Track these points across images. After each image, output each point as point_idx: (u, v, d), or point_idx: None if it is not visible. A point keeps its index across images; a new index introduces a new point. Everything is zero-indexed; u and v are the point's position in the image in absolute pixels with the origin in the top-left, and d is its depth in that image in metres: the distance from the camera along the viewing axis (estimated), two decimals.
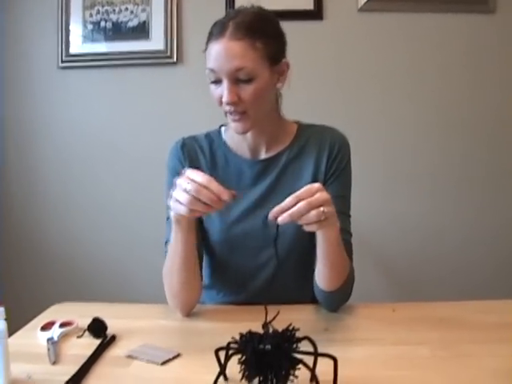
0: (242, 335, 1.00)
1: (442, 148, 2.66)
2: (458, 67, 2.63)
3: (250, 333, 1.00)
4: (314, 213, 1.15)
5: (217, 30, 1.40)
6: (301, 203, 1.15)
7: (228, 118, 1.46)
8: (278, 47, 1.48)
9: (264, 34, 1.41)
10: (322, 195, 1.17)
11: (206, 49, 1.44)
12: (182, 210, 1.20)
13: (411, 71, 2.64)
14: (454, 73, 2.63)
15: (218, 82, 1.41)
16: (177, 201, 1.20)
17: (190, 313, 1.48)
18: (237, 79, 1.38)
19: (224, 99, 1.39)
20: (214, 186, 1.18)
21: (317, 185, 1.19)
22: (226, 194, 1.18)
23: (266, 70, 1.42)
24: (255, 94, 1.40)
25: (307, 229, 1.21)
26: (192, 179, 1.18)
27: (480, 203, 2.68)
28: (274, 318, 1.04)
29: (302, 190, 1.17)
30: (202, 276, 1.56)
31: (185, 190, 1.17)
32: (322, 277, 1.40)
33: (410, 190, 2.67)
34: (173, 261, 1.42)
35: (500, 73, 2.61)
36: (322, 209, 1.16)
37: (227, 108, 1.41)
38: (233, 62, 1.36)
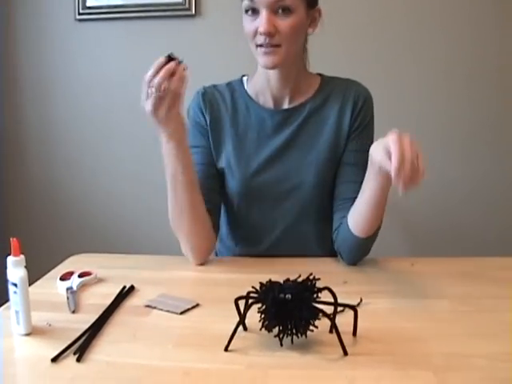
0: (261, 284, 1.00)
1: (457, 98, 2.62)
2: (477, 59, 2.57)
3: (270, 282, 0.99)
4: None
5: None
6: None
7: (258, 53, 1.43)
8: None
9: None
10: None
11: None
12: (150, 103, 1.30)
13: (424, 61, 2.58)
14: (472, 64, 2.57)
15: (254, 13, 1.40)
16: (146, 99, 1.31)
17: (203, 260, 1.49)
18: (275, 10, 1.38)
19: (261, 29, 1.37)
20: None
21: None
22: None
23: (302, 9, 1.42)
24: (291, 27, 1.39)
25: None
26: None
27: (496, 153, 2.64)
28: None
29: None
30: (217, 226, 1.56)
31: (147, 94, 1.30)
32: (362, 220, 1.39)
33: (425, 142, 2.63)
34: (175, 198, 1.43)
35: None
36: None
37: (261, 39, 1.39)
38: None
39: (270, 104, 1.57)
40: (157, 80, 1.26)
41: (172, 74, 1.27)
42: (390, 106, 2.54)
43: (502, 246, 2.47)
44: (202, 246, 1.48)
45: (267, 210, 1.55)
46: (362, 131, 1.52)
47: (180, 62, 1.28)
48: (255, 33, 1.40)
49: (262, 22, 1.37)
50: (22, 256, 1.04)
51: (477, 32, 2.55)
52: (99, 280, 1.35)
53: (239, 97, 1.59)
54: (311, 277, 0.99)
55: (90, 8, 2.67)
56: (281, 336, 0.96)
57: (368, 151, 1.49)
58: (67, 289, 1.27)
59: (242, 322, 1.01)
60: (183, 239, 1.47)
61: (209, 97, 1.59)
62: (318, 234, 1.57)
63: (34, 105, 2.78)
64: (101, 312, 1.14)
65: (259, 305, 0.98)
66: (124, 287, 1.28)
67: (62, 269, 1.42)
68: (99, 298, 1.24)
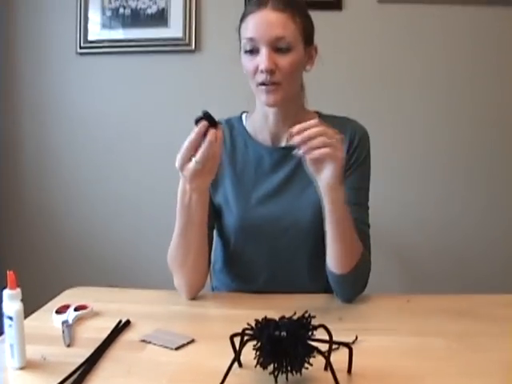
0: (257, 321, 1.00)
1: (455, 138, 2.65)
2: (476, 58, 2.61)
3: (265, 319, 1.00)
4: (320, 139, 1.22)
5: (256, 3, 1.43)
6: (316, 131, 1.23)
7: (259, 91, 1.45)
8: (311, 29, 1.51)
9: (302, 10, 1.46)
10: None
11: (240, 24, 1.48)
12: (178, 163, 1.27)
13: (429, 63, 2.61)
14: (474, 64, 2.61)
15: (254, 52, 1.42)
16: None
17: (194, 297, 1.48)
18: (276, 48, 1.40)
19: (262, 66, 1.39)
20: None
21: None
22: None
23: (301, 46, 1.45)
24: (291, 64, 1.42)
25: (310, 159, 1.26)
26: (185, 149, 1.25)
27: (494, 192, 2.66)
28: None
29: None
30: (209, 262, 1.56)
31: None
32: (333, 255, 1.39)
33: (423, 181, 2.66)
34: (180, 242, 1.43)
35: None
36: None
37: (262, 77, 1.41)
38: (275, 30, 1.39)
39: (268, 142, 1.58)
40: (201, 153, 1.23)
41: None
42: (388, 145, 2.57)
43: (497, 283, 2.47)
44: (197, 282, 1.48)
45: (263, 247, 1.55)
46: (357, 168, 1.53)
47: (217, 123, 1.26)
48: (256, 71, 1.42)
49: (262, 59, 1.39)
50: (19, 289, 1.04)
51: (477, 72, 2.61)
52: (95, 313, 1.35)
53: (238, 134, 1.61)
54: (306, 314, 1.00)
55: (91, 42, 2.71)
56: (276, 373, 0.95)
57: (364, 189, 1.51)
58: (63, 322, 1.26)
59: (237, 358, 1.00)
60: (181, 275, 1.47)
61: None
62: (313, 270, 1.57)
63: (32, 136, 2.80)
64: (96, 346, 1.13)
65: (254, 342, 0.98)
66: (120, 321, 1.27)
67: (58, 301, 1.42)
68: (95, 331, 1.23)
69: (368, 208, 1.55)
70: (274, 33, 1.39)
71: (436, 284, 2.57)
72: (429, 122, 2.64)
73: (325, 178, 1.28)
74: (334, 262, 1.40)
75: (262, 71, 1.40)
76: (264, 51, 1.40)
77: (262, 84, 1.42)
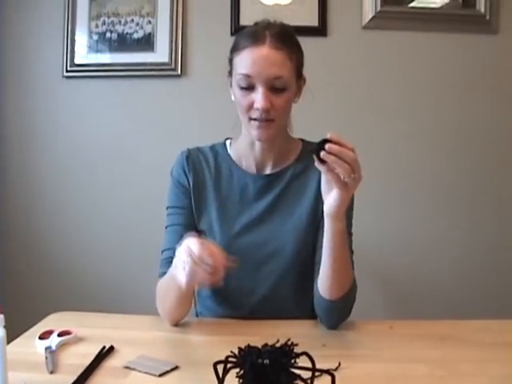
0: (240, 349, 1.00)
1: (438, 163, 2.68)
2: (461, 85, 2.65)
3: (248, 347, 1.00)
4: (349, 166, 1.19)
5: (253, 38, 1.43)
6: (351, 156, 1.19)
7: (251, 126, 1.46)
8: (302, 61, 1.53)
9: (296, 47, 1.48)
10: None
11: (232, 56, 1.48)
12: (183, 279, 1.20)
13: (414, 89, 2.65)
14: (457, 90, 2.65)
15: (249, 88, 1.43)
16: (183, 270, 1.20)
17: (178, 323, 1.48)
18: (272, 87, 1.41)
19: (259, 105, 1.40)
20: (213, 259, 1.18)
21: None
22: (222, 266, 1.19)
23: (294, 82, 1.47)
24: (286, 103, 1.44)
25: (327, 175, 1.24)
26: (191, 250, 1.18)
27: (476, 217, 2.69)
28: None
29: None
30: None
31: (184, 262, 1.18)
32: (326, 281, 1.39)
33: (407, 206, 2.68)
34: (168, 292, 1.42)
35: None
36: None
37: (256, 114, 1.43)
38: (273, 69, 1.40)
39: (252, 169, 1.60)
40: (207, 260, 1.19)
41: None
42: (372, 170, 2.59)
43: (480, 307, 2.49)
44: (181, 313, 1.48)
45: (248, 274, 1.56)
46: None
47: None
48: (250, 107, 1.43)
49: (259, 98, 1.40)
50: (2, 316, 1.03)
51: (463, 98, 2.65)
52: (79, 339, 1.34)
53: (222, 160, 1.62)
54: (289, 342, 1.00)
55: (78, 65, 2.71)
56: None
57: (347, 216, 1.52)
58: (46, 348, 1.26)
59: None
60: (163, 312, 1.48)
61: (193, 159, 1.61)
62: (298, 297, 1.57)
63: (17, 159, 2.78)
64: (79, 373, 1.13)
65: (237, 369, 0.98)
66: (103, 347, 1.27)
67: (41, 326, 1.41)
68: (78, 357, 1.23)
69: (351, 235, 1.57)
70: (271, 72, 1.40)
71: (419, 308, 2.58)
72: (414, 146, 2.66)
73: (331, 204, 1.28)
74: (325, 287, 1.40)
75: (257, 109, 1.41)
76: (261, 90, 1.41)
77: (255, 119, 1.44)
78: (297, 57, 1.47)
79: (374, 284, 2.60)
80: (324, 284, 1.40)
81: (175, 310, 1.46)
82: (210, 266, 1.17)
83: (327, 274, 1.38)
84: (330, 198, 1.28)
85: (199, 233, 1.29)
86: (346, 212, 1.37)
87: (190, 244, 1.20)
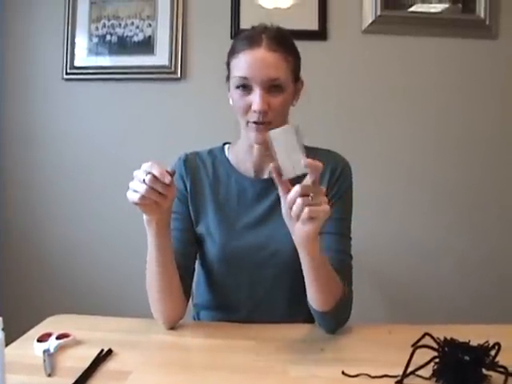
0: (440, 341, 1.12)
1: (438, 167, 2.69)
2: (460, 90, 2.65)
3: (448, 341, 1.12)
4: (300, 201, 1.16)
5: (249, 42, 1.44)
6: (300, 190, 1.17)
7: (249, 128, 1.47)
8: (299, 64, 1.53)
9: (293, 49, 1.49)
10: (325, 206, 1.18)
11: (230, 59, 1.49)
12: (136, 197, 1.23)
13: (413, 94, 2.66)
14: (457, 95, 2.66)
15: (246, 90, 1.43)
16: (134, 191, 1.24)
17: (173, 326, 1.47)
18: (269, 89, 1.42)
19: (256, 107, 1.41)
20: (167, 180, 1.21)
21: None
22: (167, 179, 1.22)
23: (291, 84, 1.47)
24: (283, 105, 1.44)
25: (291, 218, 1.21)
26: (148, 171, 1.21)
27: (476, 224, 2.69)
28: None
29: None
30: (188, 292, 1.56)
31: (141, 181, 1.21)
32: (312, 298, 1.39)
33: (407, 210, 2.68)
34: (150, 268, 1.42)
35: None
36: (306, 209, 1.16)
37: (254, 116, 1.43)
38: (269, 71, 1.41)
39: (250, 173, 1.60)
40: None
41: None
42: (372, 175, 2.59)
43: (479, 313, 2.49)
44: (172, 312, 1.47)
45: (245, 277, 1.56)
46: (338, 199, 1.54)
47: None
48: (247, 109, 1.44)
49: (256, 100, 1.41)
50: (0, 318, 1.03)
51: (463, 104, 2.66)
52: (77, 342, 1.34)
53: (220, 165, 1.62)
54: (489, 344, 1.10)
55: (77, 68, 2.72)
56: None
57: (346, 219, 1.51)
58: (44, 351, 1.25)
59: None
60: (153, 307, 1.47)
61: (190, 163, 1.62)
62: (295, 300, 1.57)
63: (17, 161, 2.78)
64: (77, 376, 1.12)
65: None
66: (102, 350, 1.27)
67: (40, 329, 1.41)
68: (76, 360, 1.22)
69: (350, 239, 1.56)
70: (268, 74, 1.40)
71: (419, 312, 2.58)
72: (414, 151, 2.67)
73: (304, 230, 1.23)
74: (313, 300, 1.40)
75: (254, 111, 1.42)
76: (258, 92, 1.41)
77: (253, 122, 1.44)
78: (293, 59, 1.47)
79: (374, 288, 2.60)
80: (312, 297, 1.39)
81: (161, 294, 1.44)
82: (165, 186, 1.21)
83: (314, 289, 1.37)
84: (307, 226, 1.22)
85: None
86: (343, 217, 1.36)
87: (147, 166, 1.22)
